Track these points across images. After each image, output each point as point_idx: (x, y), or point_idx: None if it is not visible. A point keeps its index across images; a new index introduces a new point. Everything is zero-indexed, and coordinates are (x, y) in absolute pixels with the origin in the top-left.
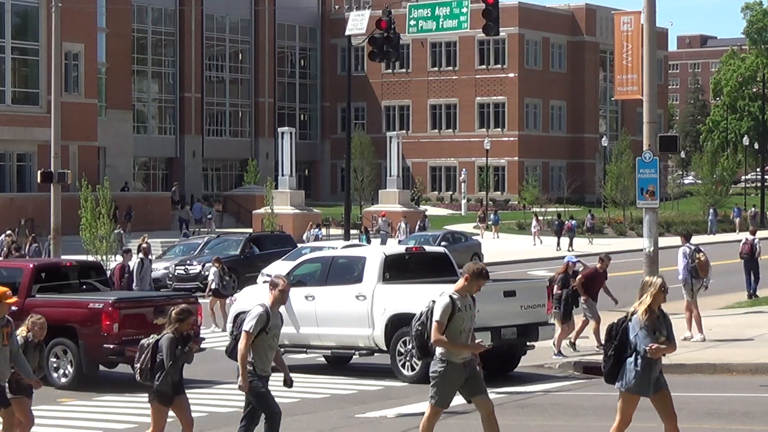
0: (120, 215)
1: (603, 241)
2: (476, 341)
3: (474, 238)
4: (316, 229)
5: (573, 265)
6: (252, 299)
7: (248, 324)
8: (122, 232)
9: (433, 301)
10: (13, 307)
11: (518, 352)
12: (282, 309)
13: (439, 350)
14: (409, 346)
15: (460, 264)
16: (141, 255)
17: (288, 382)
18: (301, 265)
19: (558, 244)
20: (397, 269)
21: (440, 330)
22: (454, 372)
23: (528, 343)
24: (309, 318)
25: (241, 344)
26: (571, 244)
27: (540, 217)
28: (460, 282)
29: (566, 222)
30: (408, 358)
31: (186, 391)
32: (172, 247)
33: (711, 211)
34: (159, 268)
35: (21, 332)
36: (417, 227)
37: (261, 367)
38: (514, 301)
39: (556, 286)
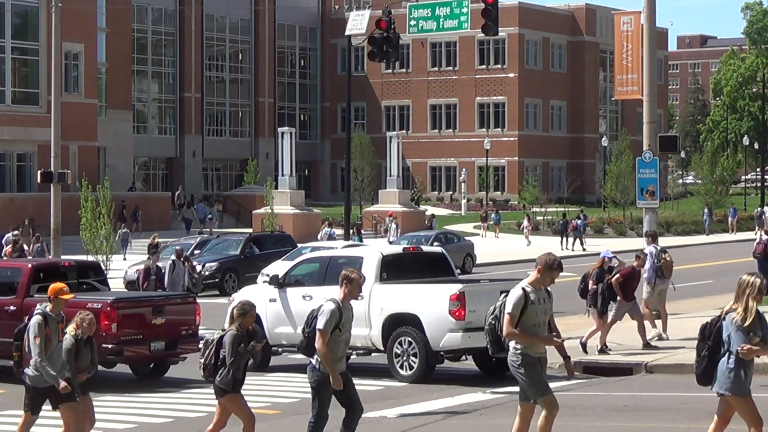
0: (128, 215)
1: (598, 242)
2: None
3: (467, 238)
4: (329, 228)
5: (609, 260)
6: (251, 299)
7: (321, 322)
8: (128, 231)
9: (506, 294)
10: (12, 307)
11: None
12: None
13: (513, 344)
14: (406, 346)
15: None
16: (174, 257)
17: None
18: (299, 265)
19: (561, 244)
20: (394, 269)
21: (512, 323)
22: (534, 364)
23: None
24: None
25: (319, 344)
26: (573, 244)
27: (540, 217)
28: (533, 274)
29: (571, 221)
30: (405, 358)
31: (186, 391)
32: (165, 247)
33: (705, 210)
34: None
35: (70, 330)
36: (425, 227)
37: (334, 359)
38: None
39: (590, 282)
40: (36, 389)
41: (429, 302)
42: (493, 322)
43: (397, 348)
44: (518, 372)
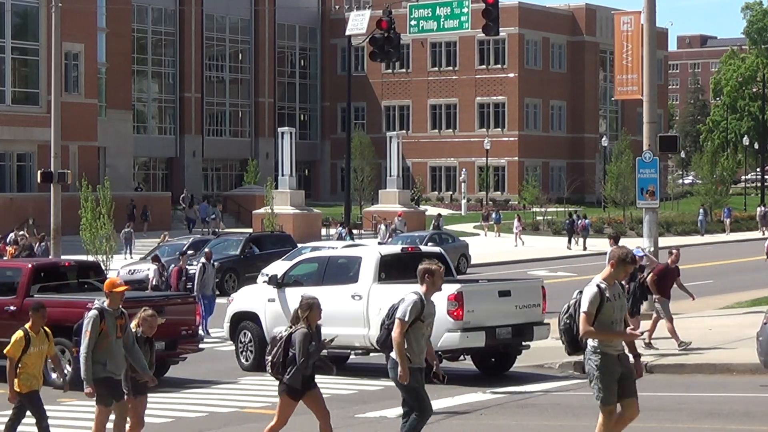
0: (137, 214)
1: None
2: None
3: (461, 239)
4: (341, 228)
5: (639, 258)
6: (249, 299)
7: (402, 311)
8: (131, 230)
9: (580, 292)
10: (12, 307)
11: (513, 351)
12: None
13: (591, 343)
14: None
15: None
16: (203, 260)
17: (440, 377)
18: (298, 265)
19: (569, 243)
20: (392, 269)
21: (589, 321)
22: (612, 364)
23: (523, 343)
24: None
25: (396, 332)
26: (585, 243)
27: (540, 217)
28: (606, 269)
29: (579, 221)
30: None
31: (186, 391)
32: (157, 247)
33: (701, 211)
34: (143, 269)
35: (132, 327)
36: (432, 227)
37: (414, 358)
38: (509, 300)
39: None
40: (109, 380)
41: None
42: (567, 321)
43: None
44: (594, 373)
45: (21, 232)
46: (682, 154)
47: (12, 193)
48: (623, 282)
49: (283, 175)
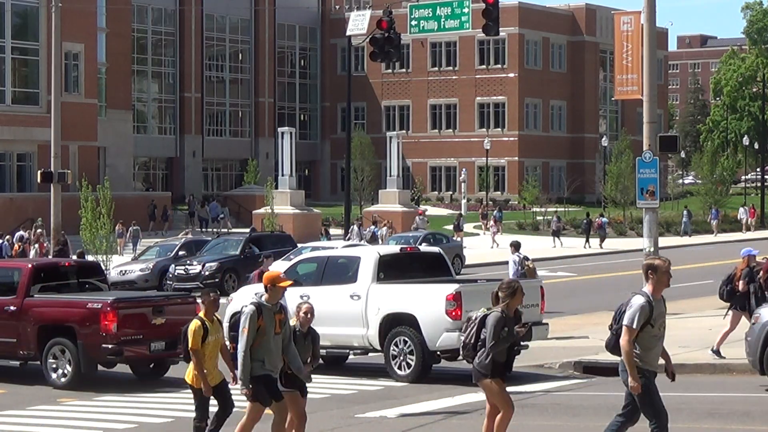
0: (158, 214)
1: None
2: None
3: (456, 239)
4: (373, 227)
5: (753, 258)
6: (248, 299)
7: (629, 318)
8: (139, 228)
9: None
10: (12, 307)
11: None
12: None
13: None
14: (403, 346)
15: None
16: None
17: (673, 375)
18: (297, 264)
19: (588, 243)
20: (391, 269)
21: (631, 336)
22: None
23: (522, 343)
24: None
25: (624, 341)
26: (602, 243)
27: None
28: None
29: (596, 220)
30: (402, 358)
31: (186, 391)
32: (150, 248)
33: (685, 212)
34: (135, 270)
35: (292, 322)
36: (453, 226)
37: (646, 363)
38: None
39: (741, 283)
40: (267, 377)
41: (426, 302)
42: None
43: (393, 348)
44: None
45: (39, 230)
46: (682, 154)
47: (12, 193)
48: (742, 283)
49: (283, 175)
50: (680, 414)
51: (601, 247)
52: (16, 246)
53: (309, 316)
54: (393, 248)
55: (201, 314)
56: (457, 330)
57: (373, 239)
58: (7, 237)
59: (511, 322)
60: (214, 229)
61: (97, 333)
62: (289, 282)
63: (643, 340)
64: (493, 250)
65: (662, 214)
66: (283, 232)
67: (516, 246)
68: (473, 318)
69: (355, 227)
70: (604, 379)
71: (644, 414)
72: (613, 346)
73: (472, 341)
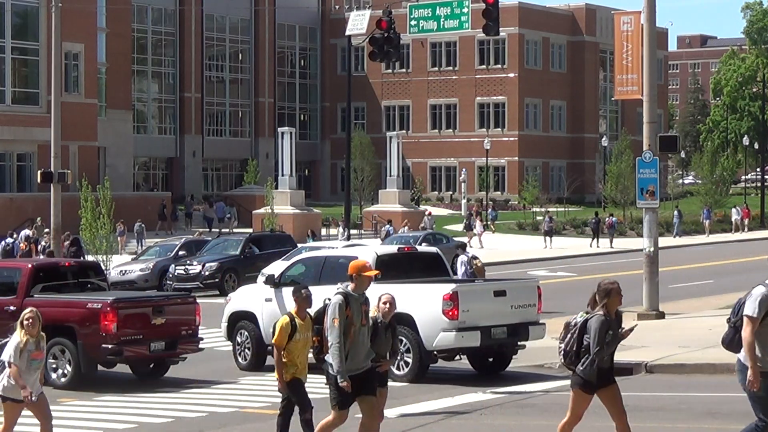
0: (168, 213)
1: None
2: None
3: (456, 239)
4: (388, 226)
5: None
6: (246, 299)
7: (750, 307)
8: (143, 225)
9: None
10: (12, 307)
11: (509, 351)
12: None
13: (743, 354)
14: (400, 346)
15: None
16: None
17: None
18: (295, 265)
19: (597, 242)
20: (389, 269)
21: (754, 327)
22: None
23: (519, 343)
24: None
25: (746, 332)
26: (612, 242)
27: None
28: None
29: (606, 219)
30: (399, 357)
31: (186, 391)
32: (150, 248)
33: (676, 212)
34: (135, 270)
35: (371, 313)
36: (464, 226)
37: (763, 359)
38: (505, 300)
39: None
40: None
41: (423, 302)
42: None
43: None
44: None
45: (46, 230)
46: (682, 154)
47: (12, 193)
48: None
49: (283, 175)
50: (680, 414)
51: (612, 247)
52: (22, 245)
53: (390, 306)
54: (390, 248)
55: (292, 311)
56: (454, 330)
57: (388, 238)
58: (15, 236)
59: (615, 325)
60: (222, 229)
61: (97, 333)
62: (376, 271)
63: (762, 335)
64: (494, 251)
65: (662, 214)
66: (283, 232)
67: (462, 247)
68: (572, 323)
69: (341, 228)
70: None
71: (756, 410)
72: (729, 341)
73: (574, 348)
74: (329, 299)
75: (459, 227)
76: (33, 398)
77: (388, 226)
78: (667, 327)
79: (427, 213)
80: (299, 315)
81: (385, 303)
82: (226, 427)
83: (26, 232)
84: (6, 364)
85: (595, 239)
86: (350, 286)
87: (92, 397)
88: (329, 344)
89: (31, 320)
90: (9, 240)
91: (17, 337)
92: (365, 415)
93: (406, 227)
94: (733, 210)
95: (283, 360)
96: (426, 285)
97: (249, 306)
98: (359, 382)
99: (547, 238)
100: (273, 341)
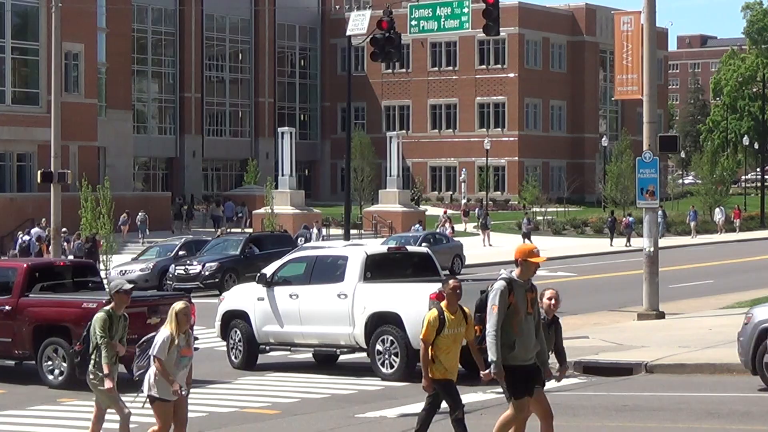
0: (183, 213)
1: (598, 242)
2: None
3: (456, 239)
4: (418, 225)
5: None
6: (239, 298)
7: None
8: (146, 215)
9: None
10: (7, 307)
11: None
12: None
13: None
14: (388, 345)
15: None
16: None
17: None
18: (287, 264)
19: (611, 242)
20: (378, 269)
21: None
22: None
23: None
24: (293, 316)
25: None
26: (628, 241)
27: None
28: None
29: (623, 219)
30: (387, 356)
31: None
32: (150, 248)
33: (660, 213)
34: (135, 270)
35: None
36: (480, 224)
37: None
38: None
39: None
40: (520, 368)
41: (410, 301)
42: None
43: (379, 346)
44: None
45: (64, 229)
46: (682, 154)
47: (12, 193)
48: None
49: (283, 175)
50: (680, 414)
51: (629, 245)
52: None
53: (554, 302)
54: (381, 248)
55: (442, 304)
56: None
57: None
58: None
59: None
60: (233, 228)
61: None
62: (544, 258)
63: None
64: (493, 251)
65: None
66: (284, 232)
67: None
68: None
69: (315, 230)
70: (604, 379)
71: None
72: None
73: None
74: (491, 286)
75: (459, 227)
76: (183, 391)
77: (418, 225)
78: (667, 327)
79: (444, 211)
80: (449, 309)
81: (549, 299)
82: (226, 427)
83: (37, 231)
84: (152, 360)
85: (611, 239)
86: (515, 272)
87: (92, 397)
88: (486, 332)
89: (183, 314)
90: (26, 238)
91: (166, 331)
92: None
93: (447, 223)
94: (717, 210)
95: (433, 356)
96: (413, 284)
97: (242, 305)
98: (531, 373)
99: (526, 240)
100: (420, 336)
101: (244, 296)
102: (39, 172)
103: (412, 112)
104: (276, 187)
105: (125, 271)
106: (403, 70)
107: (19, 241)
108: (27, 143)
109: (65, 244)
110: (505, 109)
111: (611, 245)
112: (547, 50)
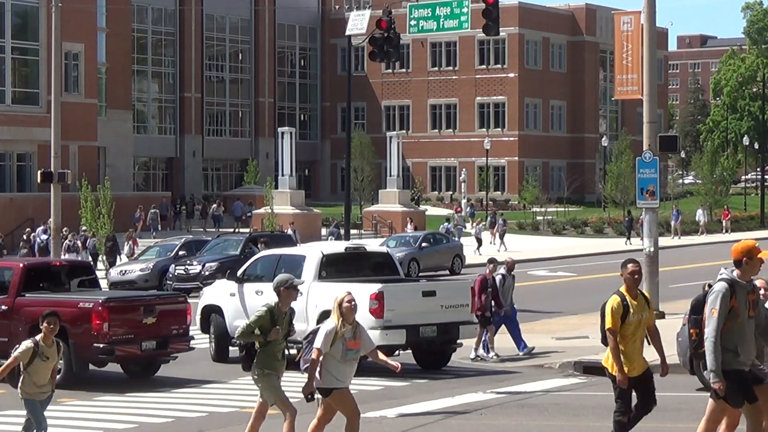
0: (201, 211)
1: (599, 242)
2: None
3: (456, 239)
4: (447, 224)
5: None
6: (215, 294)
7: None
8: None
9: None
10: (3, 306)
11: (448, 348)
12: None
13: None
14: None
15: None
16: (504, 270)
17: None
18: (257, 261)
19: (628, 240)
20: (334, 268)
21: None
22: None
23: (457, 341)
24: None
25: None
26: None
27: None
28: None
29: (640, 218)
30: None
31: (185, 391)
32: (150, 248)
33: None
34: (135, 270)
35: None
36: (489, 223)
37: None
38: (434, 300)
39: None
40: (740, 373)
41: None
42: None
43: None
44: None
45: (83, 227)
46: (682, 154)
47: (12, 193)
48: None
49: (283, 175)
50: (680, 414)
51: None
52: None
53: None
54: (338, 247)
55: (622, 289)
56: (380, 328)
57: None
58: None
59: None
60: (241, 228)
61: (88, 332)
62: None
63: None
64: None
65: (661, 214)
66: (284, 232)
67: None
68: None
69: (289, 230)
70: (604, 379)
71: None
72: None
73: None
74: (709, 285)
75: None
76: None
77: (447, 224)
78: (668, 327)
79: (456, 210)
80: (630, 294)
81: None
82: (226, 427)
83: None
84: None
85: (628, 237)
86: (735, 272)
87: (92, 397)
88: (705, 337)
89: (349, 305)
90: (44, 237)
91: (331, 323)
92: (750, 420)
93: (482, 223)
94: (699, 210)
95: (621, 348)
96: (356, 284)
97: (217, 300)
98: (749, 381)
99: (499, 240)
100: (606, 327)
101: (219, 292)
102: (39, 172)
103: (412, 112)
104: (276, 187)
105: (125, 271)
106: (403, 70)
107: (38, 240)
108: (27, 143)
109: (79, 243)
110: (505, 109)
111: (628, 243)
112: (547, 50)
